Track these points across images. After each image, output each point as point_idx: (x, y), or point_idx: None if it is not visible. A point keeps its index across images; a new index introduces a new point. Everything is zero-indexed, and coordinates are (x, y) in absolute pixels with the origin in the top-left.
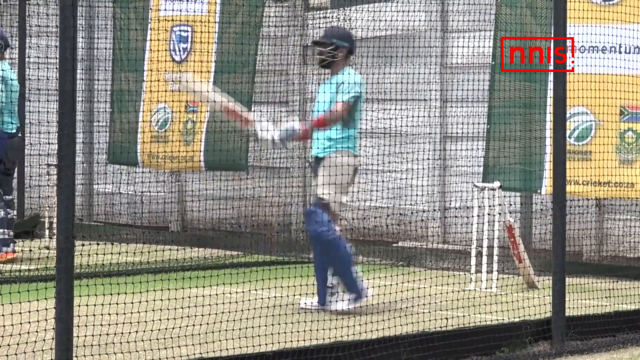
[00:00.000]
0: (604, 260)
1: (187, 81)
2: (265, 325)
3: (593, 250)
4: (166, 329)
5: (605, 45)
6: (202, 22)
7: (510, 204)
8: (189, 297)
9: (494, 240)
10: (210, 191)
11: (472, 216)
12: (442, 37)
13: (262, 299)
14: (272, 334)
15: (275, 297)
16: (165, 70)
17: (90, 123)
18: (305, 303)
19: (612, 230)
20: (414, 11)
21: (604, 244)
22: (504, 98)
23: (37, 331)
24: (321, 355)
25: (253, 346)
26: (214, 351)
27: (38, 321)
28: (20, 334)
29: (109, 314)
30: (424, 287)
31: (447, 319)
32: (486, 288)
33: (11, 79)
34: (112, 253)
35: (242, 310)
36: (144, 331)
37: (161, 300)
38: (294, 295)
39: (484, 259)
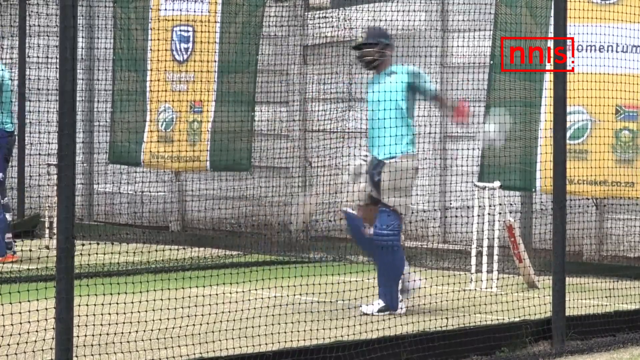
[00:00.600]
0: (604, 260)
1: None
2: (265, 325)
3: (593, 250)
4: (166, 329)
5: (603, 45)
6: (202, 22)
7: (511, 204)
8: (189, 297)
9: (494, 240)
10: (210, 191)
11: (472, 216)
12: (442, 37)
13: (262, 299)
14: (272, 334)
15: (275, 297)
16: (166, 70)
17: (90, 123)
18: (368, 306)
19: (612, 230)
20: (414, 11)
21: (604, 243)
22: (502, 98)
23: (37, 331)
24: (321, 355)
25: (253, 346)
26: (214, 351)
27: (38, 321)
28: (20, 334)
29: (109, 314)
30: (424, 287)
31: (447, 319)
32: (486, 288)
33: (4, 78)
34: (112, 253)
35: (242, 310)
36: (144, 331)
37: (161, 300)
38: (294, 295)
39: (484, 258)
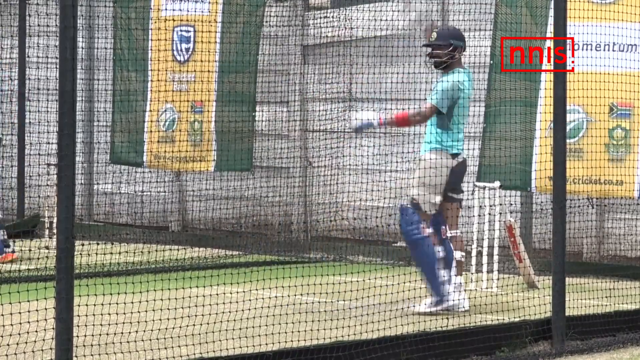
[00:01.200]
0: (604, 260)
1: None
2: (266, 325)
3: (593, 250)
4: (166, 329)
5: (599, 43)
6: (203, 22)
7: (511, 204)
8: (189, 297)
9: (494, 240)
10: (210, 191)
11: (472, 216)
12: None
13: (262, 299)
14: (272, 334)
15: (275, 297)
16: (166, 70)
17: (90, 123)
18: (420, 305)
19: (612, 229)
20: (414, 11)
21: (604, 243)
22: (502, 97)
23: (37, 331)
24: (321, 355)
25: (253, 346)
26: (214, 351)
27: (38, 321)
28: (20, 334)
29: (109, 314)
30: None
31: (447, 319)
32: (486, 288)
33: None
34: (112, 253)
35: (242, 310)
36: (144, 331)
37: (161, 300)
38: (294, 295)
39: (484, 258)
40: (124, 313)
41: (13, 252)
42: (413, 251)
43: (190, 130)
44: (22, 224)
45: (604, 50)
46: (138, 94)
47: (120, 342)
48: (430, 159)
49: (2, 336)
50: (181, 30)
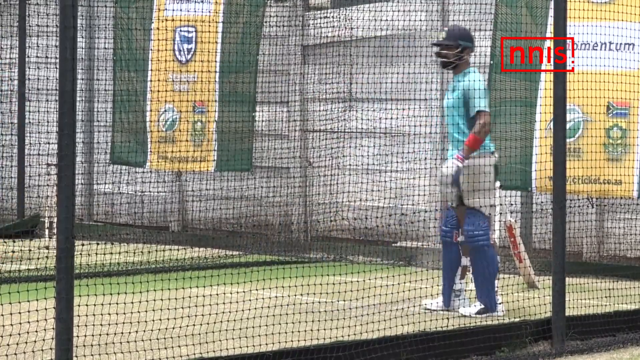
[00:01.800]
0: (604, 260)
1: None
2: (266, 325)
3: (593, 250)
4: (166, 329)
5: (597, 43)
6: (203, 22)
7: (511, 204)
8: (189, 297)
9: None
10: (210, 191)
11: None
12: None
13: (262, 299)
14: (272, 334)
15: (275, 297)
16: (166, 70)
17: (90, 123)
18: (431, 303)
19: (612, 229)
20: (414, 11)
21: (604, 243)
22: (502, 97)
23: (37, 331)
24: (321, 355)
25: (253, 346)
26: (214, 351)
27: (38, 321)
28: (20, 334)
29: (109, 314)
30: (424, 287)
31: (447, 319)
32: None
33: None
34: (112, 253)
35: (242, 310)
36: (144, 331)
37: (161, 300)
38: (294, 295)
39: None
40: (124, 313)
41: None
42: (477, 256)
43: (192, 130)
44: (22, 224)
45: (601, 49)
46: (139, 94)
47: (120, 342)
48: (474, 162)
49: (2, 336)
50: (183, 31)
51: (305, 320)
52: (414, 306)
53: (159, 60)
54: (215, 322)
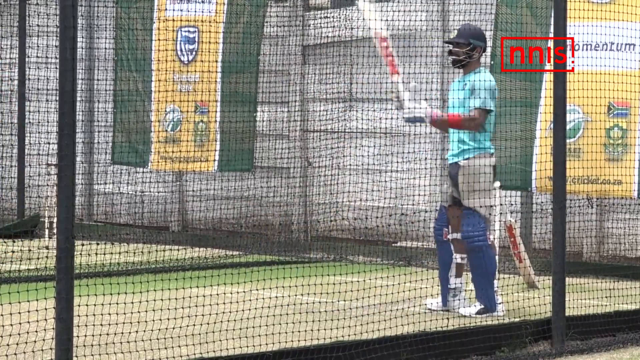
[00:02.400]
0: (604, 260)
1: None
2: (266, 325)
3: (593, 250)
4: (166, 329)
5: (598, 43)
6: (204, 22)
7: (511, 204)
8: (189, 297)
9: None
10: (210, 191)
11: None
12: (442, 37)
13: (262, 299)
14: (272, 334)
15: (275, 297)
16: (167, 71)
17: (90, 123)
18: (432, 303)
19: (612, 229)
20: (414, 11)
21: (604, 243)
22: (502, 98)
23: (37, 331)
24: (321, 355)
25: (253, 346)
26: (214, 351)
27: (38, 321)
28: (20, 334)
29: (109, 314)
30: (424, 287)
31: (447, 319)
32: None
33: None
34: (112, 253)
35: (242, 310)
36: (144, 331)
37: (161, 300)
38: (294, 295)
39: None
40: (124, 313)
41: None
42: (472, 256)
43: (194, 130)
44: (22, 224)
45: (602, 49)
46: (140, 95)
47: (120, 342)
48: (473, 163)
49: (2, 336)
50: (185, 31)
51: (305, 320)
52: (414, 306)
53: (159, 60)
54: (215, 322)
